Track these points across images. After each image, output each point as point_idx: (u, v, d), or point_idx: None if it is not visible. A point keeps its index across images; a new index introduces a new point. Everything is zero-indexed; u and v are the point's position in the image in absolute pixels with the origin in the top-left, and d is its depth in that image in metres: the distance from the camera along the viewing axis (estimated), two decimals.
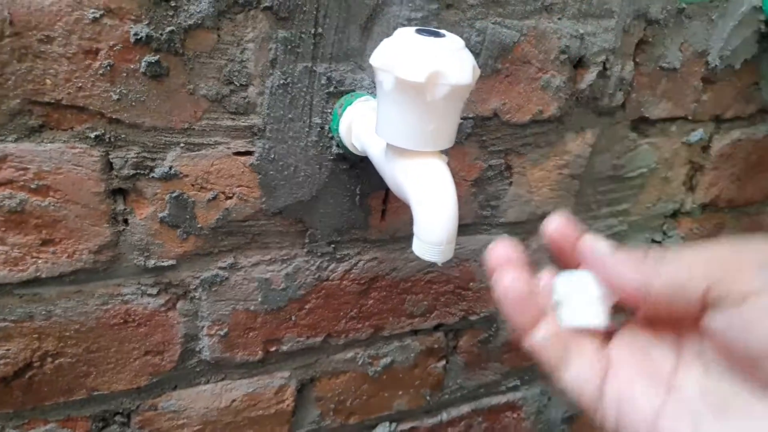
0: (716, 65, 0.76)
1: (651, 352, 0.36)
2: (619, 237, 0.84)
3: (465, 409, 0.87)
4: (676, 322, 0.34)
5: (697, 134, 0.81)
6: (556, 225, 0.37)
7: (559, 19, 0.63)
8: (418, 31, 0.42)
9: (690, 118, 0.79)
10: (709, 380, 0.32)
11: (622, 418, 0.34)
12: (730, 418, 0.31)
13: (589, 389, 0.36)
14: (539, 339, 0.36)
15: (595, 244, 0.36)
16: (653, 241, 0.89)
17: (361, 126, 0.53)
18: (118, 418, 0.63)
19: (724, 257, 0.32)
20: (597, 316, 0.35)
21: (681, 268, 0.33)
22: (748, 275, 0.30)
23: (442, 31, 0.43)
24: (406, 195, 0.46)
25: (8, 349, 0.55)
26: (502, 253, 0.36)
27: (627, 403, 0.34)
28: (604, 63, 0.68)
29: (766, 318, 0.29)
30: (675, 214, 0.88)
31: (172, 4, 0.47)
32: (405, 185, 0.46)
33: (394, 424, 0.82)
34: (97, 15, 0.46)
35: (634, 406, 0.34)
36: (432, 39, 0.41)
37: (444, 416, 0.86)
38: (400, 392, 0.80)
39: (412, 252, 0.70)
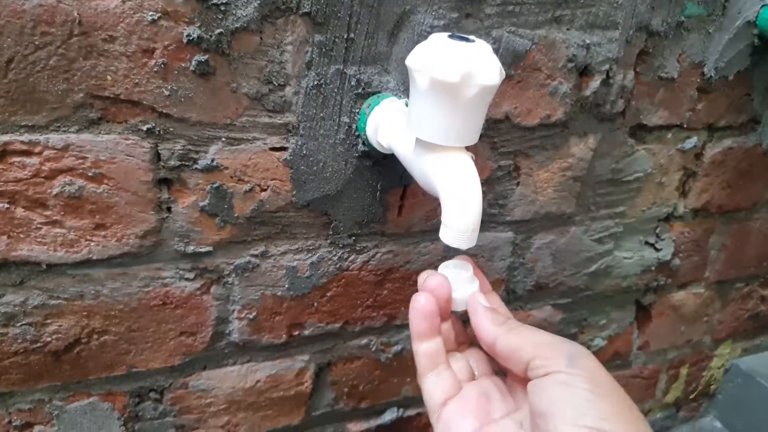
0: (711, 76, 0.80)
1: (492, 397, 0.47)
2: (614, 238, 0.88)
3: None
4: (515, 377, 0.46)
5: (691, 141, 0.85)
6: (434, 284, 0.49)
7: (567, 29, 0.67)
8: (450, 37, 0.46)
9: (685, 126, 0.83)
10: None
11: None
12: None
13: (433, 404, 0.47)
14: (423, 348, 0.48)
15: (478, 296, 0.50)
16: (647, 243, 0.93)
17: (389, 124, 0.57)
18: (152, 394, 0.67)
19: (548, 342, 0.44)
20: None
21: (519, 338, 0.45)
22: (556, 359, 0.42)
23: (472, 37, 0.47)
24: (434, 187, 0.50)
25: (60, 325, 0.59)
26: (432, 283, 0.49)
27: (450, 429, 0.45)
28: (608, 72, 0.72)
29: (551, 388, 0.40)
30: (668, 218, 0.92)
31: (222, 8, 0.52)
32: (434, 178, 0.50)
33: (401, 410, 0.86)
34: (155, 17, 0.50)
35: None
36: (464, 43, 0.45)
37: None
38: (408, 379, 0.84)
39: (425, 246, 0.75)
